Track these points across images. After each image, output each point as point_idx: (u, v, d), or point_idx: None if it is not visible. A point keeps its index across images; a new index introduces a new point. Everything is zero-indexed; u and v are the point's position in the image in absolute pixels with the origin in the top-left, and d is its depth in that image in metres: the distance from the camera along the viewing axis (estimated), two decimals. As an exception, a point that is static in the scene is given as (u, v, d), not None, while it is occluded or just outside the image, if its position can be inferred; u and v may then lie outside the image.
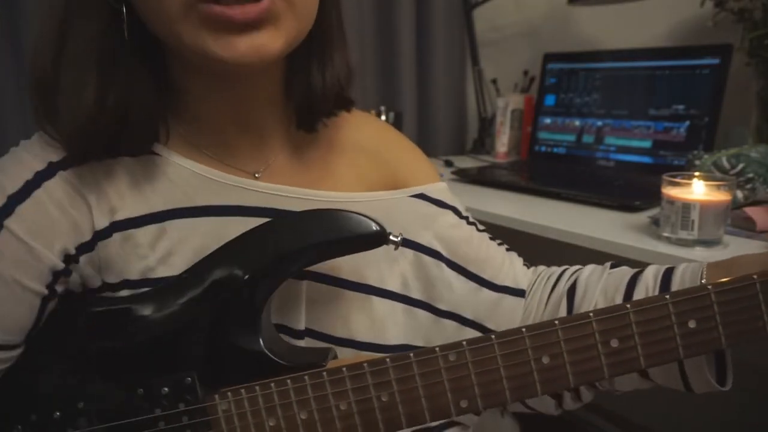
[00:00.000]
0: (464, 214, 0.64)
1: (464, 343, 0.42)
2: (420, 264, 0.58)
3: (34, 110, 0.48)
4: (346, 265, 0.54)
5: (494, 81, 1.58)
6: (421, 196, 0.60)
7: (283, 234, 0.48)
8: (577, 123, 1.31)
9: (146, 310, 0.48)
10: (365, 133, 0.61)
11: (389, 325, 0.56)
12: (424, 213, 0.59)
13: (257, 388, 0.45)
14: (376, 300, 0.55)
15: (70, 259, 0.47)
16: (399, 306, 0.57)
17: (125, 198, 0.49)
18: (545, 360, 0.41)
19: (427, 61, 1.56)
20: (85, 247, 0.48)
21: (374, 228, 0.48)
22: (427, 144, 1.57)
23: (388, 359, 0.44)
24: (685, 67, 1.13)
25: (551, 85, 1.37)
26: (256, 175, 0.54)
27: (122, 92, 0.46)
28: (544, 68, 1.39)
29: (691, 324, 0.40)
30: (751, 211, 0.80)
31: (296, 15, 0.45)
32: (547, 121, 1.37)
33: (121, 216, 0.48)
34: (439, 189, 0.63)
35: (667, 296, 0.40)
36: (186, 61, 0.48)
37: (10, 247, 0.45)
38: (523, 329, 0.41)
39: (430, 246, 0.58)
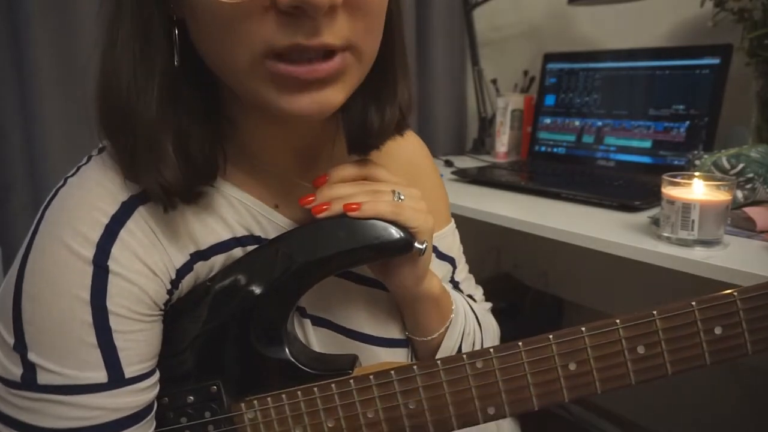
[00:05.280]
0: (457, 263, 0.66)
1: (491, 350, 0.43)
2: None
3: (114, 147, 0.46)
4: (347, 316, 0.55)
5: (494, 81, 1.58)
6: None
7: (308, 242, 0.48)
8: (577, 123, 1.31)
9: (175, 321, 0.47)
10: (401, 159, 0.62)
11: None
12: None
13: (284, 396, 0.45)
14: (380, 350, 0.56)
15: (169, 292, 0.47)
16: (402, 351, 0.58)
17: (195, 231, 0.48)
18: (572, 366, 0.42)
19: (427, 61, 1.55)
20: (175, 283, 0.47)
21: (399, 235, 0.48)
22: (427, 144, 1.56)
23: (415, 366, 0.44)
24: (685, 67, 1.14)
25: (551, 85, 1.37)
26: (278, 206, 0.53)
27: (181, 122, 0.44)
28: (544, 68, 1.39)
29: (717, 330, 0.40)
30: (751, 211, 0.81)
31: (363, 65, 0.44)
32: (547, 121, 1.38)
33: (193, 249, 0.48)
34: (445, 236, 0.64)
35: (693, 303, 0.41)
36: (241, 98, 0.46)
37: (121, 286, 0.44)
38: (550, 336, 0.42)
39: None
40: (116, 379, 0.43)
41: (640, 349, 0.41)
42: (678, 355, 0.41)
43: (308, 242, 0.48)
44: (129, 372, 0.44)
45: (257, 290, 0.47)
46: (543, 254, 1.51)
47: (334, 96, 0.42)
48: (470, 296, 0.68)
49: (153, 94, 0.42)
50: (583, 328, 0.42)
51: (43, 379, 0.42)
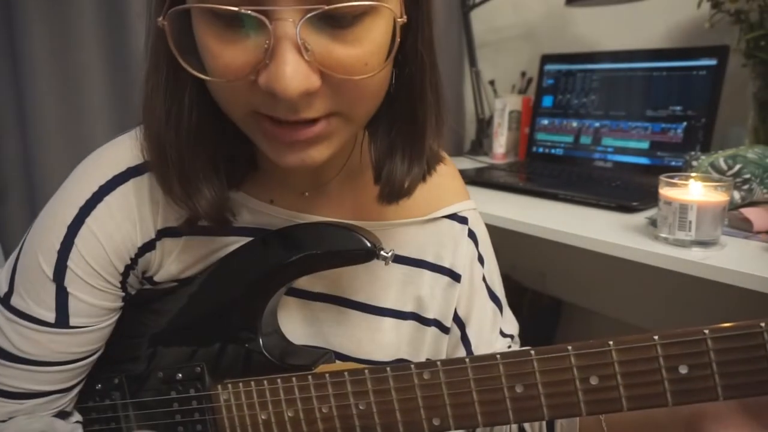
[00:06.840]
0: (503, 306, 0.64)
1: (439, 363, 0.43)
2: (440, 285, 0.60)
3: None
4: (360, 288, 0.57)
5: (492, 82, 1.58)
6: (454, 216, 0.61)
7: (275, 247, 0.51)
8: (575, 124, 1.31)
9: (171, 304, 0.53)
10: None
11: (401, 344, 0.58)
12: (451, 232, 0.60)
13: (253, 383, 0.49)
14: (388, 321, 0.57)
15: (132, 262, 0.51)
16: (410, 324, 0.59)
17: (169, 208, 0.51)
18: (519, 389, 0.41)
19: (426, 62, 1.55)
20: (138, 253, 0.51)
21: (363, 243, 0.49)
22: (425, 145, 1.57)
23: (366, 371, 0.45)
24: (682, 69, 1.13)
25: (549, 86, 1.37)
26: (306, 194, 0.55)
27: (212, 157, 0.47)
28: (541, 69, 1.38)
29: (683, 369, 0.37)
30: (747, 212, 0.81)
31: (353, 125, 0.44)
32: (545, 122, 1.37)
33: (161, 225, 0.51)
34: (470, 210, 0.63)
35: (656, 336, 0.38)
36: None
37: (90, 243, 0.48)
38: (498, 356, 0.41)
39: (453, 269, 0.60)
40: (62, 322, 0.48)
41: (593, 380, 0.39)
42: (635, 390, 0.38)
43: (276, 248, 0.51)
44: (74, 321, 0.48)
45: (236, 289, 0.51)
46: (541, 255, 1.50)
47: (318, 154, 0.43)
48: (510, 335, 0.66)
49: (182, 134, 0.45)
50: (533, 351, 0.40)
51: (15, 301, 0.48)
